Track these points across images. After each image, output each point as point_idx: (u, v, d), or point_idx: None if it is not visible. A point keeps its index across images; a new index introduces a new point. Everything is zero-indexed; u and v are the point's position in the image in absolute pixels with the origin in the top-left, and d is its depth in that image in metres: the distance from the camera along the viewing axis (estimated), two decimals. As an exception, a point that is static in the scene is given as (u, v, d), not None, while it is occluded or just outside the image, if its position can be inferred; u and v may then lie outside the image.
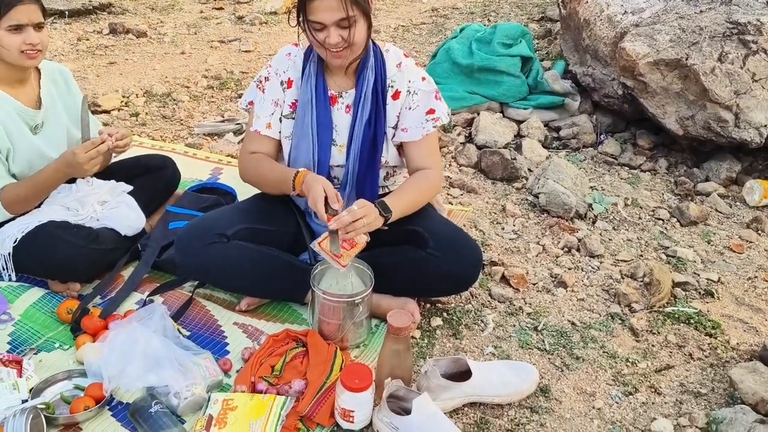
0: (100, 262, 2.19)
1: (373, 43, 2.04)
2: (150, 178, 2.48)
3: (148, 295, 2.13)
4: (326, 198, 1.86)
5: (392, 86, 2.06)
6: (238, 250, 2.01)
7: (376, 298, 2.03)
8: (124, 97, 3.85)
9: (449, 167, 3.17)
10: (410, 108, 2.07)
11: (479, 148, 3.28)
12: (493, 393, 1.79)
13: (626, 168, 3.29)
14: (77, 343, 1.92)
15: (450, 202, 2.86)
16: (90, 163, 2.05)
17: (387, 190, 2.23)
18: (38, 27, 2.05)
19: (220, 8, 5.85)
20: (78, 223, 2.20)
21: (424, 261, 1.99)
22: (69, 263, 2.09)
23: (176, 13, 5.70)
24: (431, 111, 2.08)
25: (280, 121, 2.11)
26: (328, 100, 2.06)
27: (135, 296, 2.14)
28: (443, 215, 2.38)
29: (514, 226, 2.73)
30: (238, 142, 3.32)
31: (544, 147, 3.40)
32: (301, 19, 1.88)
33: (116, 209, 2.29)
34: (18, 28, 2.00)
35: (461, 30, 4.02)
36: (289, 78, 2.09)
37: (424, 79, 2.09)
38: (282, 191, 2.06)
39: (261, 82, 2.12)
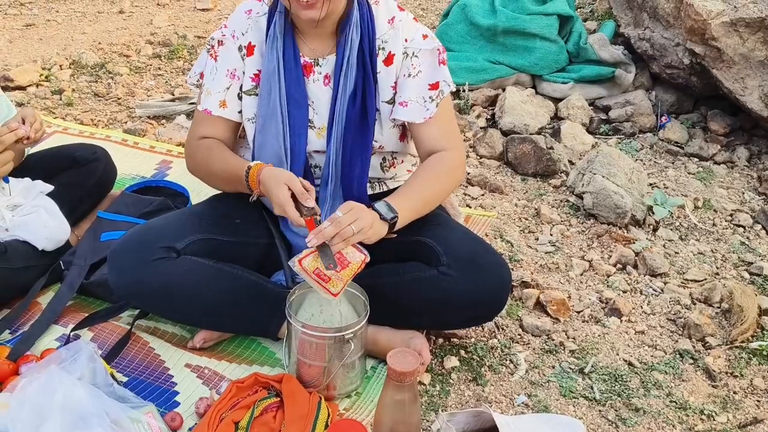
0: (9, 285, 2.14)
1: None
2: (77, 175, 2.42)
3: (73, 329, 2.07)
4: (295, 196, 1.82)
5: (383, 48, 2.01)
6: (190, 269, 1.95)
7: (372, 331, 1.98)
8: (44, 69, 3.80)
9: (467, 159, 3.12)
10: (409, 75, 2.01)
11: (505, 134, 3.24)
12: (527, 458, 1.73)
13: (695, 159, 3.26)
14: (-21, 392, 1.87)
15: (468, 205, 2.82)
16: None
17: (385, 187, 2.17)
18: None
19: (170, -46, 5.81)
20: (-20, 234, 2.16)
21: (435, 282, 1.94)
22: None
23: (113, -40, 5.66)
24: (435, 86, 2.03)
25: (240, 99, 2.07)
26: (301, 68, 2.01)
27: (55, 330, 2.08)
28: (459, 221, 2.33)
29: (551, 235, 2.68)
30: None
31: (589, 132, 3.36)
32: None
33: (31, 216, 2.23)
34: None
35: (481, -19, 3.98)
36: (249, 42, 2.04)
37: (425, 36, 2.04)
38: (239, 191, 2.01)
39: (213, 47, 2.07)
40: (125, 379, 1.96)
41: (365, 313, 1.89)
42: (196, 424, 1.83)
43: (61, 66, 3.85)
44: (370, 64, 1.99)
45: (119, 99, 3.57)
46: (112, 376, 1.90)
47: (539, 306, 2.31)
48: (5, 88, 3.57)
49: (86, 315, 2.14)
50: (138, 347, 2.05)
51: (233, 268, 2.01)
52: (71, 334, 2.06)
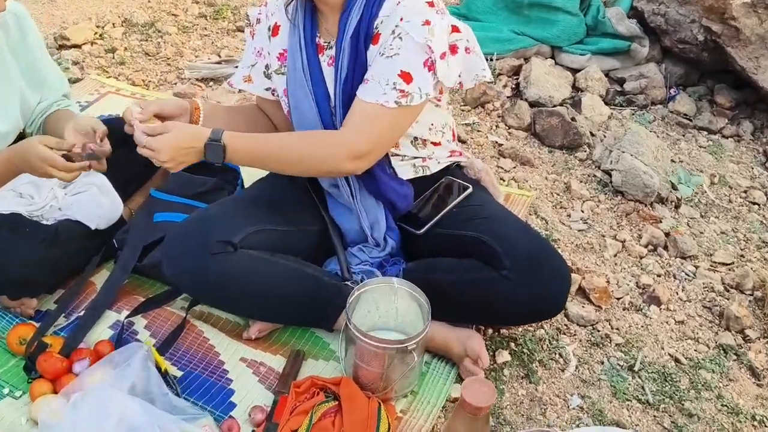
0: (63, 268, 1.70)
1: None
2: (129, 150, 1.89)
3: (128, 317, 1.64)
4: None
5: (377, 28, 1.48)
6: (248, 264, 1.51)
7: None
8: (98, 27, 3.22)
9: (496, 129, 2.63)
10: (382, 54, 1.45)
11: (531, 105, 2.73)
12: (596, 482, 1.34)
13: (704, 132, 2.76)
14: (32, 391, 1.44)
15: (501, 179, 2.34)
16: (52, 170, 1.50)
17: (428, 170, 1.70)
18: None
19: None
20: (33, 215, 1.69)
21: (495, 285, 1.49)
22: (19, 276, 1.58)
23: None
24: (406, 76, 1.43)
25: (269, 78, 1.66)
26: (316, 48, 1.55)
27: (109, 317, 1.65)
28: (500, 201, 1.86)
29: (582, 212, 2.22)
30: (240, 90, 2.75)
31: (605, 104, 2.85)
32: None
33: (84, 194, 1.77)
34: None
35: (505, -46, 3.37)
36: (276, 23, 1.61)
37: (428, 23, 1.42)
38: None
39: (252, 25, 1.67)
40: (180, 374, 1.54)
41: (427, 321, 1.45)
42: (253, 431, 1.42)
43: (114, 24, 3.27)
44: (364, 48, 1.49)
45: (168, 59, 3.02)
46: (166, 375, 1.48)
47: (581, 291, 1.88)
48: (62, 46, 3.02)
49: (139, 298, 1.70)
50: (192, 337, 1.62)
51: (289, 261, 1.57)
52: (125, 321, 1.63)
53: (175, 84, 2.81)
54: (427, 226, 1.66)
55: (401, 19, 1.44)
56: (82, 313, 1.63)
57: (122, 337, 1.58)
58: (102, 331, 1.60)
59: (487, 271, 1.51)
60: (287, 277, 1.56)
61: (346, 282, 1.60)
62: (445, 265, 1.58)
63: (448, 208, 1.68)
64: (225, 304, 1.61)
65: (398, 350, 1.41)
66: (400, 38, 1.44)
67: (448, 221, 1.65)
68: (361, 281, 1.60)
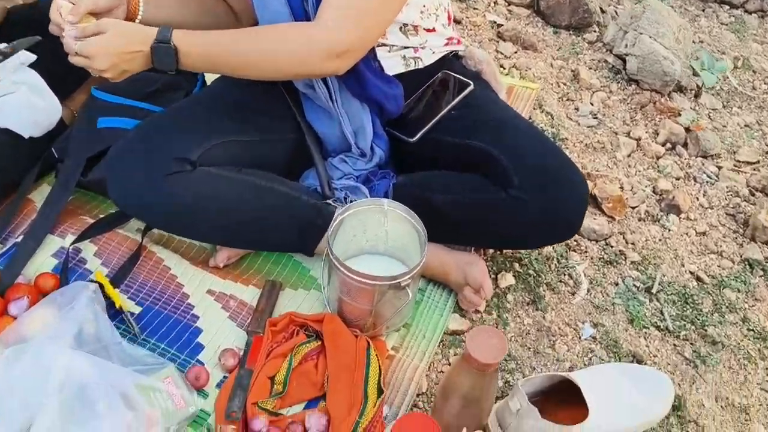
0: (-8, 187, 1.44)
1: None
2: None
3: (73, 242, 1.41)
4: None
5: None
6: (209, 184, 1.27)
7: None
8: None
9: (494, 7, 2.31)
10: None
11: (535, -24, 2.39)
12: (616, 430, 1.19)
13: (726, 7, 2.47)
14: (-37, 337, 1.24)
15: (501, 66, 2.07)
16: None
17: (421, 63, 1.43)
18: None
19: None
20: (-50, 124, 1.42)
21: (503, 207, 1.27)
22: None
23: None
24: None
25: None
26: None
27: (52, 243, 1.41)
28: (501, 96, 1.61)
29: (592, 104, 1.98)
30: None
31: (617, -26, 2.52)
32: None
33: (12, 96, 1.47)
34: None
35: None
36: None
37: None
38: None
39: None
40: (139, 310, 1.33)
41: (423, 252, 1.24)
42: (225, 377, 1.24)
43: None
44: None
45: None
46: (122, 312, 1.29)
47: (593, 200, 1.67)
48: None
49: (87, 220, 1.47)
50: (150, 266, 1.40)
51: (258, 177, 1.33)
52: (71, 248, 1.40)
53: (122, -47, 2.41)
54: (420, 133, 1.41)
55: None
56: (19, 239, 1.40)
57: (68, 267, 1.36)
58: (44, 261, 1.38)
59: (492, 191, 1.28)
60: (257, 197, 1.32)
61: (327, 200, 1.37)
62: (443, 180, 1.35)
63: (445, 110, 1.43)
64: (184, 232, 1.38)
65: (390, 286, 1.21)
66: None
67: (446, 127, 1.41)
68: (345, 199, 1.38)
